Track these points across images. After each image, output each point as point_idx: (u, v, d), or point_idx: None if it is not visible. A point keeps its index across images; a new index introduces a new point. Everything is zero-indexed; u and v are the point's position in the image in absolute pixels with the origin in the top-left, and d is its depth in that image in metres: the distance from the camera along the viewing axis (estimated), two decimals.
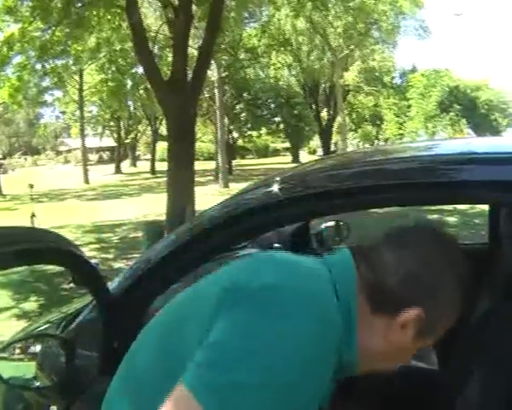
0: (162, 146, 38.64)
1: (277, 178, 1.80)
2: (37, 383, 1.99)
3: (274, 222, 1.75)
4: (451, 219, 11.80)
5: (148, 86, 15.09)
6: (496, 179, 1.46)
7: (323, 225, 3.61)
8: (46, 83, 23.97)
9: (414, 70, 48.55)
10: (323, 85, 37.02)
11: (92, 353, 1.82)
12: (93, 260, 3.27)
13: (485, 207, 2.74)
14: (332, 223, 3.62)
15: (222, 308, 1.06)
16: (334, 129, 36.34)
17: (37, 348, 2.11)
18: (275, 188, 1.69)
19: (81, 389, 1.77)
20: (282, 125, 40.66)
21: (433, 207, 12.93)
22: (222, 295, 1.08)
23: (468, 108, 43.38)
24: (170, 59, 11.56)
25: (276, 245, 3.10)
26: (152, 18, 23.86)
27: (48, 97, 35.00)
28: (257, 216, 1.68)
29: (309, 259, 1.24)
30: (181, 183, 10.61)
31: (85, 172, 34.76)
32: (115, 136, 45.85)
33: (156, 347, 1.21)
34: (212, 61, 21.71)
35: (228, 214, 1.78)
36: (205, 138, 44.41)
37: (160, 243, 1.98)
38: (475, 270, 1.95)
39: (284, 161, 39.71)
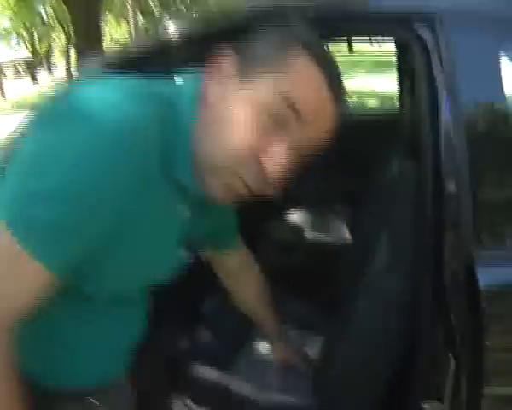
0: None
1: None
2: None
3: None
4: (370, 102, 11.84)
5: None
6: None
7: None
8: None
9: None
10: None
11: None
12: None
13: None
14: None
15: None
16: None
17: None
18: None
19: None
20: None
21: (352, 89, 12.98)
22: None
23: None
24: None
25: None
26: None
27: None
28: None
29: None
30: None
31: (0, 85, 33.30)
32: (29, 47, 43.75)
33: None
34: None
35: None
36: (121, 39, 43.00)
37: None
38: (386, 136, 1.92)
39: None
